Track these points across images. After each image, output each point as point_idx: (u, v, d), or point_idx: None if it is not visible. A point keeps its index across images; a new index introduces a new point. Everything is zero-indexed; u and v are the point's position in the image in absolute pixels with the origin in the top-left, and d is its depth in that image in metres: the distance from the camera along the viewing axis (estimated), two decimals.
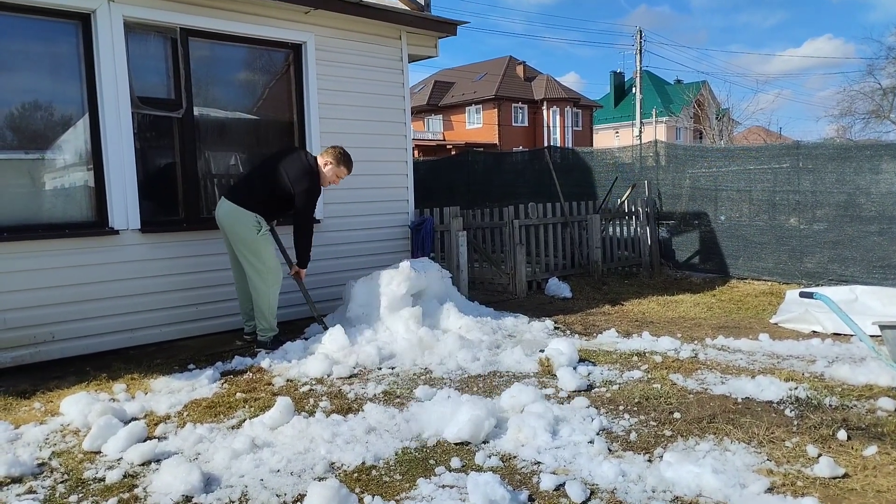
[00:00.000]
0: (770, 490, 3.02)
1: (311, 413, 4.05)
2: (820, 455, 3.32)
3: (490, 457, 3.46)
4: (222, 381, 4.84)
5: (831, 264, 8.55)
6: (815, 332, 6.12)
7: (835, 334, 5.94)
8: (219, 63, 6.57)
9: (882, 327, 3.69)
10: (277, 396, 4.12)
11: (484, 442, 3.66)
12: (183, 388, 4.60)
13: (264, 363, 5.15)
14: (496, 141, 43.24)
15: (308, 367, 4.95)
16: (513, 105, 46.12)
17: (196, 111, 6.24)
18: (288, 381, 4.78)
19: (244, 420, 3.95)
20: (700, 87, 39.97)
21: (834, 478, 3.13)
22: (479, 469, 3.30)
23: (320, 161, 5.79)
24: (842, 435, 3.61)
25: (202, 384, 4.67)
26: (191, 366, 5.20)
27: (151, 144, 6.11)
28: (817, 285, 7.83)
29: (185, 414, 4.16)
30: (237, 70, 6.77)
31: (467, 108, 46.86)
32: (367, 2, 7.13)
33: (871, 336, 3.94)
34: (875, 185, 8.48)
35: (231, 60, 6.69)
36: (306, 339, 5.77)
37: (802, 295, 4.27)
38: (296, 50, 6.88)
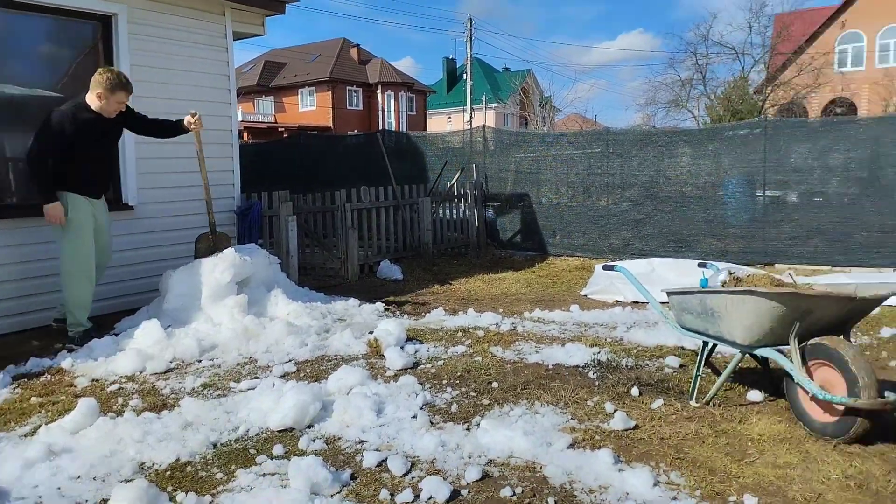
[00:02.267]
0: (572, 446, 3.31)
1: (120, 413, 3.79)
2: (616, 410, 3.68)
3: (314, 440, 3.45)
4: (14, 385, 4.37)
5: (634, 240, 9.44)
6: (618, 301, 6.74)
7: (634, 303, 6.58)
8: (18, 35, 5.85)
9: (668, 294, 4.13)
10: (80, 398, 3.80)
11: (309, 426, 3.64)
12: None
13: (65, 363, 4.71)
14: (330, 124, 42.57)
15: (117, 365, 4.60)
16: (347, 88, 45.60)
17: None
18: (93, 380, 4.42)
19: (39, 426, 3.60)
20: (526, 76, 42.12)
21: (626, 430, 3.49)
22: (303, 453, 3.28)
23: (91, 98, 5.21)
24: (634, 391, 4.02)
25: None
26: None
27: None
28: (621, 259, 8.60)
29: None
30: (39, 43, 6.07)
31: (300, 90, 45.61)
32: None
33: (661, 303, 4.40)
34: (672, 167, 9.46)
35: (33, 32, 5.98)
36: (116, 334, 5.33)
37: (605, 268, 4.69)
38: (105, 22, 6.30)
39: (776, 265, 8.24)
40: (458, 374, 4.47)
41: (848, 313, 3.47)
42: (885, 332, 5.12)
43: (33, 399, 4.07)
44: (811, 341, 3.41)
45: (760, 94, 23.80)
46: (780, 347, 3.54)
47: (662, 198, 9.37)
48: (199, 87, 7.01)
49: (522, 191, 10.62)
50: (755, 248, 8.60)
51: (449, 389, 4.17)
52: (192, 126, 5.78)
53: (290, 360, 4.85)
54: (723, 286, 3.90)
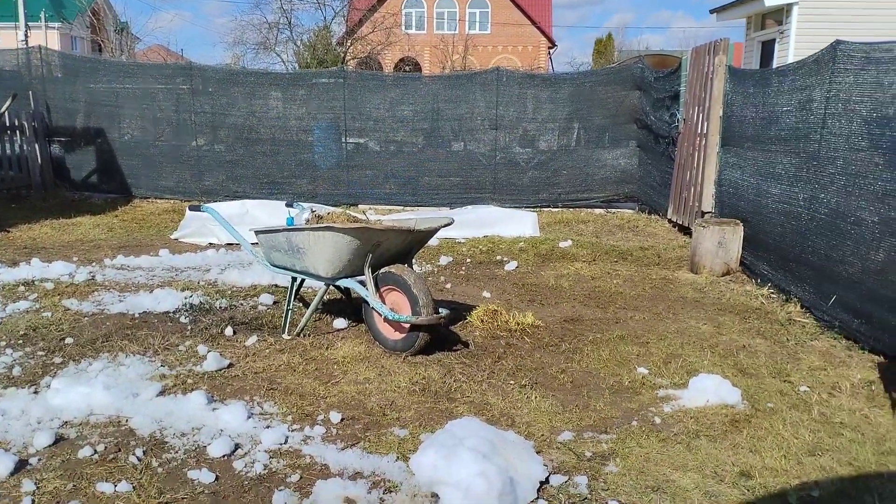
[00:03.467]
0: (162, 393, 3.19)
1: None
2: (209, 352, 3.65)
3: None
4: None
5: (228, 182, 9.29)
6: (211, 244, 6.61)
7: (228, 244, 6.53)
8: None
9: (257, 233, 4.20)
10: None
11: None
12: None
13: None
14: None
15: None
16: None
17: None
18: None
19: None
20: None
21: (220, 369, 3.50)
22: None
23: None
24: (229, 331, 4.05)
25: None
26: None
27: None
28: (215, 201, 8.41)
29: None
30: None
31: None
32: None
33: (253, 243, 4.46)
34: (263, 111, 9.48)
35: None
36: None
37: (191, 208, 4.51)
38: None
39: (359, 206, 9.05)
40: (21, 333, 3.88)
41: (410, 244, 4.03)
42: (443, 260, 6.10)
43: None
44: (382, 270, 3.86)
45: (342, 45, 25.30)
46: (359, 278, 3.94)
47: (255, 140, 9.37)
48: None
49: (98, 125, 9.44)
50: (341, 190, 9.28)
51: (9, 351, 3.60)
52: None
53: None
54: (306, 224, 4.14)
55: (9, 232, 6.81)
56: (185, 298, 4.60)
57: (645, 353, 3.87)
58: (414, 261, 4.23)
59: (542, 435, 2.91)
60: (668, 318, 4.50)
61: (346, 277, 3.92)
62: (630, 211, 8.81)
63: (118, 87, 9.51)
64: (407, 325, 3.73)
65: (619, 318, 4.49)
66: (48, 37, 31.75)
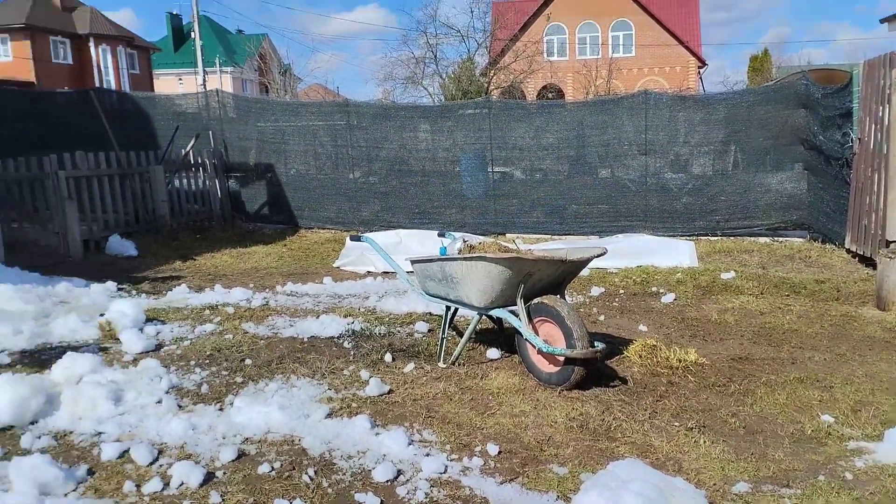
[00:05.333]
0: (330, 415, 3.37)
1: None
2: (371, 377, 3.81)
3: (40, 437, 3.09)
4: None
5: (382, 212, 9.73)
6: (369, 272, 6.93)
7: (385, 273, 6.82)
8: None
9: (412, 262, 4.35)
10: None
11: (32, 423, 3.24)
12: None
13: None
14: (33, 79, 36.66)
15: None
16: (51, 38, 39.52)
17: None
18: None
19: None
20: (262, 41, 40.45)
21: (381, 395, 3.64)
22: (27, 452, 2.92)
23: None
24: (388, 358, 4.20)
25: None
26: None
27: None
28: (371, 231, 8.83)
29: None
30: None
31: None
32: None
33: (408, 272, 4.63)
34: (414, 143, 9.88)
35: None
36: None
37: (352, 239, 4.77)
38: None
39: (507, 234, 9.12)
40: (208, 353, 4.26)
41: (562, 274, 3.99)
42: (595, 291, 5.98)
43: None
44: (534, 301, 3.85)
45: (485, 76, 25.83)
46: (511, 308, 3.94)
47: (407, 172, 9.77)
48: None
49: (268, 161, 10.29)
50: (488, 219, 9.40)
51: (198, 370, 3.96)
52: None
53: (2, 351, 4.18)
54: (459, 254, 4.23)
55: (195, 260, 7.56)
56: (348, 325, 4.85)
57: (829, 398, 3.53)
58: (566, 291, 4.18)
59: (714, 484, 2.73)
60: (854, 361, 4.09)
61: (499, 307, 3.94)
62: (800, 240, 8.13)
63: (284, 125, 10.32)
64: (561, 358, 3.67)
65: (795, 359, 4.15)
66: (222, 80, 35.13)
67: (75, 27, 41.66)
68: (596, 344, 3.68)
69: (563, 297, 4.02)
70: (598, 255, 4.02)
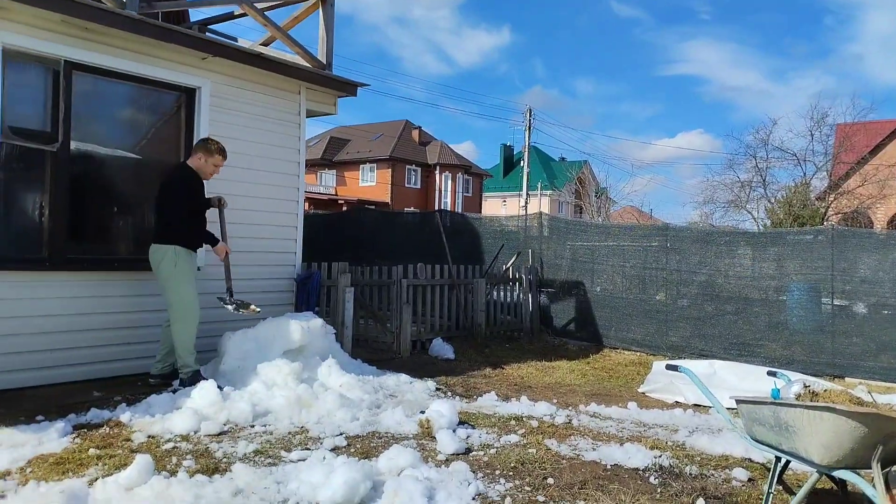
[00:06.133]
0: None
1: (174, 473, 3.76)
2: None
3: None
4: (74, 434, 4.42)
5: (693, 339, 9.17)
6: (678, 402, 6.49)
7: (695, 405, 6.33)
8: (104, 99, 6.27)
9: (738, 402, 3.95)
10: (136, 454, 3.81)
11: None
12: (28, 442, 4.17)
13: (124, 417, 4.76)
14: (388, 200, 43.67)
15: (173, 423, 4.62)
16: (406, 167, 46.99)
17: (73, 145, 5.89)
18: (149, 437, 4.44)
19: (96, 479, 3.61)
20: (582, 166, 42.59)
21: None
22: None
23: (193, 161, 5.88)
24: (700, 503, 3.80)
25: (51, 438, 4.25)
26: (39, 417, 4.73)
27: (19, 177, 5.68)
28: (680, 358, 8.35)
29: (29, 471, 3.75)
30: (124, 107, 6.48)
31: (361, 166, 47.21)
32: (267, 55, 7.10)
33: (728, 409, 4.23)
34: (732, 268, 9.29)
35: (118, 97, 6.40)
36: (174, 391, 5.41)
37: (668, 367, 4.53)
38: (189, 94, 6.70)
39: (846, 378, 7.86)
40: (512, 465, 4.32)
41: None
42: None
43: (91, 451, 4.08)
44: (895, 468, 3.19)
45: (823, 200, 23.41)
46: (860, 471, 3.32)
47: (723, 297, 9.16)
48: (270, 158, 7.33)
49: (577, 279, 10.55)
50: (823, 358, 8.24)
51: (502, 481, 4.03)
52: (220, 205, 6.14)
53: (340, 434, 4.79)
54: (797, 399, 3.71)
55: (503, 369, 7.93)
56: (655, 458, 4.54)
57: None
58: None
59: None
60: None
61: (845, 468, 3.34)
62: None
63: (596, 245, 10.55)
64: None
65: None
66: (542, 202, 37.66)
67: (427, 158, 49.13)
68: None
69: None
70: None
